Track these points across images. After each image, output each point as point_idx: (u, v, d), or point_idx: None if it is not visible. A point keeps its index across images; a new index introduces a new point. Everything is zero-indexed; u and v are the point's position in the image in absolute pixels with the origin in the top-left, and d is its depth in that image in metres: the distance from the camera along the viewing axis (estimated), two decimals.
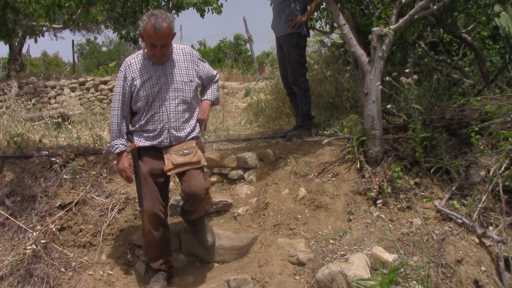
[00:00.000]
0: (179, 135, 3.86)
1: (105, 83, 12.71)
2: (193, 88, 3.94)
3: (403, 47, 7.83)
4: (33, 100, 11.80)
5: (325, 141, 4.94)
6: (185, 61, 3.94)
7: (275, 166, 5.01)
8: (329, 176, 4.67)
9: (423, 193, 4.30)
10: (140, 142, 3.85)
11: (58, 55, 30.35)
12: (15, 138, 5.96)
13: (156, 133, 3.82)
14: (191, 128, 3.95)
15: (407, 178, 4.39)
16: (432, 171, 4.38)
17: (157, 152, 3.86)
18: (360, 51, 4.56)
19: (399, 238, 3.90)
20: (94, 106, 12.02)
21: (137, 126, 3.88)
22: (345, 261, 3.61)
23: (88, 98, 12.51)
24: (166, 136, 3.83)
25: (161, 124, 3.82)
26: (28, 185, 5.02)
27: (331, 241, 4.07)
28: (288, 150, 5.16)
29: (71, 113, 10.10)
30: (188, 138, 3.92)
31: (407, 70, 4.35)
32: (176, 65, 3.89)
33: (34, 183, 5.05)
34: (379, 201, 3.78)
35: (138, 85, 3.78)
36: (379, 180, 4.42)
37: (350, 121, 4.84)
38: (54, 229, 4.49)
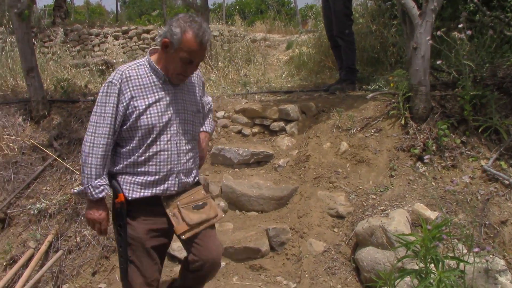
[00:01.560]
0: (187, 180, 2.78)
1: (147, 32, 12.69)
2: (200, 120, 2.97)
3: (454, 2, 7.48)
4: (77, 47, 11.93)
5: (370, 95, 4.84)
6: (197, 83, 2.92)
7: (317, 119, 4.97)
8: (372, 131, 4.60)
9: (469, 152, 4.19)
10: (133, 191, 2.63)
11: (100, 3, 30.47)
12: (62, 83, 6.09)
13: (159, 177, 2.65)
14: (196, 170, 2.91)
15: (453, 136, 4.28)
16: (480, 130, 4.25)
17: (154, 205, 2.70)
18: (411, 4, 4.38)
19: (442, 196, 3.84)
20: (137, 54, 12.07)
21: (125, 165, 2.65)
22: (386, 216, 3.60)
23: (130, 47, 12.56)
24: (173, 182, 2.70)
25: (169, 166, 2.67)
26: (74, 129, 5.16)
27: (372, 196, 4.05)
28: (331, 103, 5.10)
29: (114, 60, 10.19)
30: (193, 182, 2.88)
31: (460, 25, 4.16)
32: (189, 88, 2.84)
33: (81, 127, 5.19)
34: (426, 157, 3.69)
35: (140, 108, 2.58)
36: (424, 137, 4.33)
37: (396, 76, 4.71)
38: None
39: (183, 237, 2.67)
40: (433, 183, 4.01)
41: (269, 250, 3.93)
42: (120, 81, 2.58)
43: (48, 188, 4.58)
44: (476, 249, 2.65)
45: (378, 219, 3.56)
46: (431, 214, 3.51)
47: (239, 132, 5.14)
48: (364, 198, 4.04)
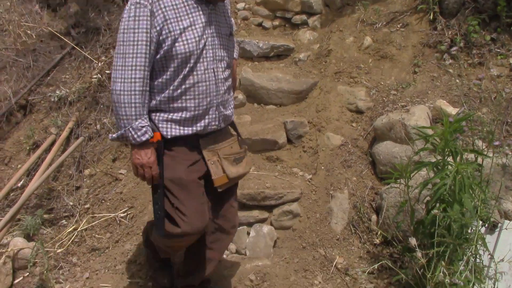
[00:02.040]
0: (226, 113, 2.52)
1: None
2: (234, 44, 2.65)
3: None
4: None
5: None
6: (227, 2, 2.60)
7: (341, 12, 4.76)
8: (398, 26, 4.41)
9: (499, 50, 4.02)
10: (170, 128, 2.34)
11: None
12: None
13: (198, 112, 2.35)
14: (233, 101, 2.66)
15: (483, 33, 4.08)
16: None
17: (192, 147, 2.43)
18: None
19: (466, 93, 3.75)
20: None
21: (158, 101, 2.32)
22: (406, 111, 3.55)
23: None
24: (214, 116, 2.42)
25: (208, 99, 2.37)
26: (92, 18, 5.04)
27: (393, 92, 3.97)
28: None
29: None
30: (232, 118, 2.64)
31: None
32: (221, 8, 2.50)
33: (98, 16, 5.07)
34: (454, 49, 3.55)
35: (175, 32, 2.23)
36: (452, 33, 4.15)
37: None
38: None
39: (220, 189, 2.48)
40: (457, 81, 3.90)
41: (286, 143, 3.95)
42: (150, 0, 2.18)
43: (67, 76, 4.58)
44: (496, 143, 2.62)
45: (398, 114, 3.52)
46: (453, 111, 3.45)
47: (260, 24, 4.98)
48: (385, 94, 3.97)
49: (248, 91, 4.35)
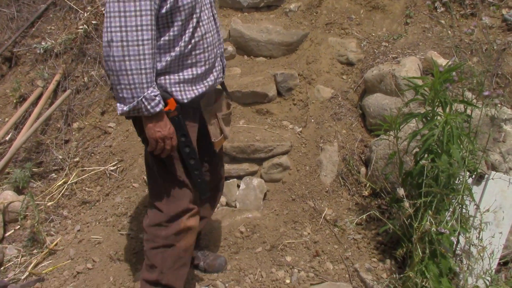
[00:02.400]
0: (225, 64, 2.42)
1: None
2: None
3: None
4: None
5: None
6: None
7: None
8: None
9: (491, 1, 3.96)
10: (184, 91, 2.13)
11: None
12: None
13: (209, 66, 2.19)
14: None
15: None
16: None
17: (195, 107, 2.25)
18: None
19: (457, 44, 3.71)
20: None
21: (167, 62, 2.07)
22: (397, 63, 3.52)
23: None
24: (219, 68, 2.31)
25: (215, 50, 2.23)
26: None
27: (384, 43, 3.93)
28: None
29: None
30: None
31: None
32: None
33: None
34: None
35: None
36: None
37: None
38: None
39: (217, 150, 2.44)
40: (449, 32, 3.85)
41: (276, 95, 3.92)
42: None
43: (52, 27, 4.47)
44: (486, 93, 2.61)
45: (389, 65, 3.49)
46: (444, 62, 3.42)
47: None
48: (376, 46, 3.93)
49: (237, 43, 4.28)
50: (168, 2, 1.93)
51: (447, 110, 2.48)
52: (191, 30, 2.05)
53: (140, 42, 1.86)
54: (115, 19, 1.83)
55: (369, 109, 3.52)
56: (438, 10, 3.97)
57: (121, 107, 1.95)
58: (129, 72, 1.86)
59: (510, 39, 3.72)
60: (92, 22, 4.28)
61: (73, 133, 3.96)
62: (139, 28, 1.85)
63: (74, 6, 4.48)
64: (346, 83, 3.85)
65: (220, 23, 4.32)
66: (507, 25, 3.82)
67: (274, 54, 4.21)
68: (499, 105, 3.26)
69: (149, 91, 1.91)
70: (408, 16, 4.06)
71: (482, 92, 2.69)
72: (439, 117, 2.50)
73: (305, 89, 3.88)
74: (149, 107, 1.94)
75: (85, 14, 4.32)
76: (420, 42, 3.81)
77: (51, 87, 4.07)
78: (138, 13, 1.83)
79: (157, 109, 1.96)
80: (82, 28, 4.21)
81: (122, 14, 1.82)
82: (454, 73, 2.52)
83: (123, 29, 1.83)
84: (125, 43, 1.84)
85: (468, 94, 3.25)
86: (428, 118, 2.58)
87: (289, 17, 4.38)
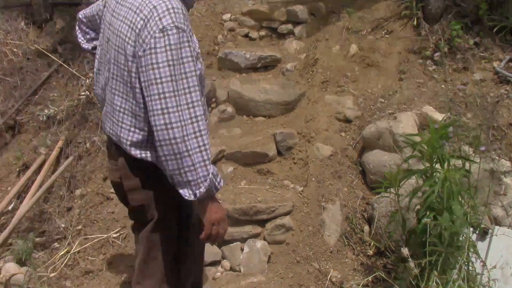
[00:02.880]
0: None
1: None
2: None
3: None
4: None
5: None
6: None
7: (326, 21, 4.79)
8: (383, 33, 4.45)
9: (482, 54, 4.07)
10: None
11: None
12: None
13: None
14: None
15: (467, 37, 4.13)
16: (495, 30, 4.08)
17: None
18: None
19: (452, 98, 3.78)
20: None
21: None
22: (394, 119, 3.57)
23: None
24: None
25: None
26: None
27: (380, 99, 4.00)
28: (342, 4, 4.87)
29: None
30: None
31: None
32: None
33: None
34: (436, 54, 3.60)
35: (199, 52, 2.01)
36: (436, 38, 4.18)
37: None
38: None
39: None
40: (443, 86, 3.93)
41: (276, 155, 3.96)
42: (187, 24, 1.86)
43: (55, 94, 4.56)
44: (483, 148, 2.64)
45: (386, 122, 3.54)
46: (440, 117, 3.47)
47: (246, 35, 4.99)
48: (373, 102, 4.00)
49: (236, 104, 4.36)
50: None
51: (446, 166, 2.51)
52: (203, 98, 2.03)
53: (194, 119, 1.80)
54: (170, 99, 1.77)
55: (369, 166, 3.54)
56: (430, 66, 4.06)
57: (192, 192, 1.83)
58: (191, 152, 1.79)
59: (503, 91, 3.80)
60: (94, 88, 4.37)
61: (76, 200, 3.97)
62: (193, 104, 1.80)
63: (76, 73, 4.59)
64: (345, 140, 3.89)
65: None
66: (499, 78, 3.91)
67: (272, 113, 4.28)
68: (497, 157, 3.30)
69: (213, 168, 1.87)
70: (402, 72, 4.15)
71: (479, 147, 2.72)
72: (438, 174, 2.52)
73: (305, 147, 3.92)
74: (216, 182, 1.88)
75: (87, 81, 4.43)
76: (415, 97, 3.89)
77: (54, 154, 4.12)
78: (187, 90, 1.79)
79: (222, 185, 1.92)
80: (84, 95, 4.31)
81: (176, 93, 1.77)
82: (451, 129, 2.57)
83: (179, 108, 1.77)
84: (183, 123, 1.77)
85: (466, 148, 3.28)
86: (428, 175, 2.60)
87: (286, 76, 4.48)
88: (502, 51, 4.07)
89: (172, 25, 1.78)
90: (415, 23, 4.34)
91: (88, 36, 2.40)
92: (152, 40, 1.77)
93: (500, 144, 3.44)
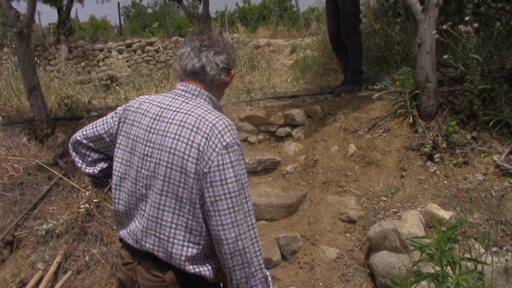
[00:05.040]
0: None
1: (151, 44, 12.69)
2: None
3: None
4: (82, 63, 11.95)
5: (376, 95, 4.76)
6: None
7: (323, 122, 4.88)
8: (380, 131, 4.50)
9: (481, 148, 4.08)
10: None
11: (106, 18, 30.60)
12: (66, 100, 6.07)
13: None
14: None
15: (464, 132, 4.17)
16: (490, 124, 4.14)
17: None
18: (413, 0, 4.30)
19: (455, 194, 3.73)
20: (141, 67, 12.05)
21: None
22: (398, 218, 3.50)
23: (135, 60, 12.56)
24: None
25: None
26: None
27: (383, 198, 3.95)
28: (337, 106, 5.01)
29: (119, 75, 10.18)
30: None
31: (467, 18, 4.05)
32: None
33: None
34: (436, 156, 3.60)
35: None
36: (433, 135, 4.22)
37: (402, 73, 4.61)
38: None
39: None
40: (445, 182, 3.90)
41: (281, 260, 3.84)
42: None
43: (55, 207, 4.54)
44: (494, 249, 2.55)
45: (391, 222, 3.46)
46: (445, 214, 3.41)
47: (245, 140, 5.06)
48: (375, 201, 3.94)
49: None
50: None
51: (457, 270, 2.40)
52: None
53: (251, 227, 1.86)
54: (238, 212, 1.81)
55: (377, 268, 3.41)
56: (429, 168, 4.06)
57: None
58: (254, 259, 1.86)
59: (507, 184, 3.75)
60: (94, 200, 4.36)
61: None
62: (249, 213, 1.86)
63: (76, 186, 4.60)
64: (350, 242, 3.79)
65: None
66: (501, 171, 3.88)
67: (275, 216, 4.22)
68: (510, 254, 3.18)
69: (266, 271, 1.95)
70: (402, 169, 4.14)
71: (489, 247, 2.62)
72: (449, 278, 2.40)
73: (310, 250, 3.81)
74: (270, 284, 1.97)
75: (87, 193, 4.42)
76: (418, 194, 3.84)
77: (52, 269, 4.00)
78: (245, 200, 1.85)
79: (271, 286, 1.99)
80: (83, 207, 4.28)
81: (241, 206, 1.82)
82: (459, 229, 2.49)
83: (244, 220, 1.83)
84: (247, 233, 1.83)
85: (477, 246, 3.17)
86: (439, 279, 2.48)
87: (286, 179, 4.47)
88: (501, 144, 4.09)
89: (233, 141, 1.84)
90: (410, 120, 4.40)
91: (89, 159, 2.26)
92: (220, 158, 1.80)
93: (511, 240, 3.34)
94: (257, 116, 5.04)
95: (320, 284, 3.57)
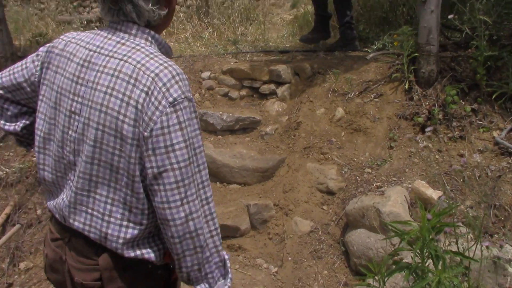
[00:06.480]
0: None
1: None
2: None
3: None
4: (74, 3, 11.36)
5: (371, 55, 4.31)
6: None
7: (311, 82, 4.45)
8: (372, 96, 4.09)
9: (480, 122, 3.69)
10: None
11: None
12: (38, 38, 5.60)
13: None
14: None
15: (463, 103, 3.77)
16: (494, 97, 3.73)
17: None
18: None
19: (447, 172, 3.37)
20: None
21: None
22: (381, 194, 3.14)
23: None
24: None
25: None
26: None
27: (367, 170, 3.58)
28: (328, 64, 4.57)
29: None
30: None
31: None
32: None
33: None
34: (428, 129, 3.20)
35: None
36: (430, 104, 3.82)
37: (401, 33, 4.15)
38: None
39: None
40: (437, 157, 3.53)
41: (250, 229, 3.52)
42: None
43: (10, 154, 4.15)
44: (486, 243, 2.20)
45: (372, 198, 3.10)
46: (433, 194, 3.05)
47: (226, 95, 4.64)
48: (359, 172, 3.58)
49: (209, 169, 3.90)
50: None
51: (440, 265, 2.05)
52: None
53: (205, 201, 1.48)
54: (189, 186, 1.42)
55: (352, 248, 3.08)
56: (423, 134, 3.67)
57: (209, 286, 1.52)
58: (208, 241, 1.49)
59: (505, 164, 3.39)
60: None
61: (19, 274, 3.46)
62: (203, 185, 1.47)
63: None
64: (327, 215, 3.44)
65: None
66: (499, 149, 3.51)
67: (248, 181, 3.86)
68: (504, 242, 2.84)
69: (224, 252, 1.57)
70: (392, 139, 3.76)
71: (480, 238, 2.27)
72: (431, 274, 2.06)
73: (282, 221, 3.48)
74: (230, 271, 1.59)
75: None
76: (406, 168, 3.48)
77: None
78: (197, 169, 1.44)
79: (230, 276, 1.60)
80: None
81: (193, 178, 1.43)
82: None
83: (196, 194, 1.45)
84: (200, 211, 1.45)
85: (463, 230, 2.83)
86: (419, 272, 2.14)
87: (265, 141, 4.09)
88: (502, 119, 3.70)
89: (182, 96, 1.41)
90: (406, 86, 3.98)
91: (8, 113, 1.78)
92: (164, 118, 1.39)
93: (503, 228, 3.00)
94: (240, 69, 4.60)
95: (290, 259, 3.25)
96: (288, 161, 3.84)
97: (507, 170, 3.34)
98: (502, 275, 2.76)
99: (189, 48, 5.80)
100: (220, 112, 4.24)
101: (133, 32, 1.50)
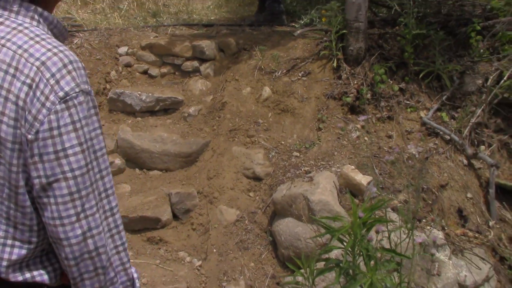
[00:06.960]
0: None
1: None
2: None
3: None
4: None
5: (298, 32, 4.13)
6: None
7: (237, 58, 4.20)
8: (300, 74, 3.91)
9: (408, 102, 3.63)
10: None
11: None
12: None
13: None
14: None
15: (391, 82, 3.70)
16: (421, 76, 3.69)
17: None
18: None
19: (376, 154, 3.28)
20: None
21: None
22: (309, 180, 2.99)
23: None
24: None
25: None
26: None
27: (295, 153, 3.42)
28: (254, 40, 4.33)
29: None
30: None
31: None
32: None
33: None
34: (362, 117, 3.07)
35: None
36: (358, 83, 3.70)
37: (329, 9, 3.98)
38: None
39: None
40: (365, 138, 3.43)
41: (171, 219, 3.28)
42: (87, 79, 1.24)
43: None
44: (419, 239, 2.09)
45: (300, 185, 2.95)
46: (362, 179, 2.93)
47: (145, 72, 4.29)
48: (286, 156, 3.41)
49: (127, 155, 3.64)
50: None
51: (371, 264, 1.92)
52: None
53: (110, 212, 1.23)
54: (87, 198, 1.16)
55: (280, 237, 2.92)
56: (348, 124, 3.55)
57: None
58: (112, 259, 1.24)
59: (432, 145, 3.35)
60: None
61: None
62: (107, 193, 1.22)
63: None
64: (254, 202, 3.26)
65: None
66: (427, 129, 3.47)
67: (170, 167, 3.60)
68: (428, 228, 2.79)
69: (133, 270, 1.33)
70: (320, 120, 3.62)
71: (413, 230, 2.16)
72: (363, 276, 1.92)
73: (206, 210, 3.26)
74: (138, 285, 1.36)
75: None
76: (335, 151, 3.35)
77: None
78: (99, 175, 1.19)
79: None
80: None
81: (92, 187, 1.16)
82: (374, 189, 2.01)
83: (98, 206, 1.18)
84: (105, 223, 1.21)
85: (393, 216, 2.75)
86: (350, 272, 2.00)
87: (188, 123, 3.82)
88: (429, 99, 3.67)
89: (77, 89, 1.12)
90: (334, 64, 3.84)
91: None
92: (53, 117, 1.11)
93: (431, 211, 2.95)
94: (160, 45, 4.26)
95: (214, 251, 3.05)
96: (212, 144, 3.61)
97: (434, 151, 3.31)
98: (429, 261, 2.71)
99: (105, 20, 5.34)
100: (139, 92, 3.91)
101: (14, 8, 1.17)
